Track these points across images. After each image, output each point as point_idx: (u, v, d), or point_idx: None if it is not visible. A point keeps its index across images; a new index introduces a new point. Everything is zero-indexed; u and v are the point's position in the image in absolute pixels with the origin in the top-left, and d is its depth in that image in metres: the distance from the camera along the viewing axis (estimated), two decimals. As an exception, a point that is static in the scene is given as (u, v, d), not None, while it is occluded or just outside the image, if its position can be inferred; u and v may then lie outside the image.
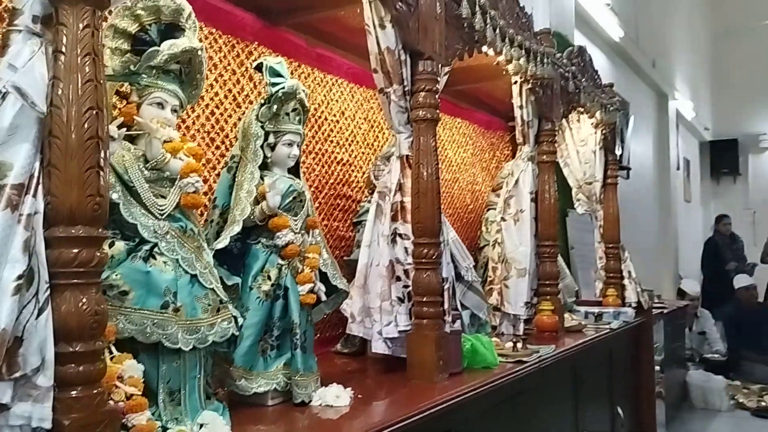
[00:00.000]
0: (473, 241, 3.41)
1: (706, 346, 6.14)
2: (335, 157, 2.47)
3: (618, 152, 3.85)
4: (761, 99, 10.08)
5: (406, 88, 1.86)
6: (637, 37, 6.38)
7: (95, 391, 0.98)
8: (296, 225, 1.64)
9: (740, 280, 6.39)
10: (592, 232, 3.89)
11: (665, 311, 4.35)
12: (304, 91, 1.67)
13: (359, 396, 1.60)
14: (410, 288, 1.89)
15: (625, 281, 3.69)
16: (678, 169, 8.41)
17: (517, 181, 2.78)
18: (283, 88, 1.60)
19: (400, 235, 1.92)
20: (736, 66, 10.34)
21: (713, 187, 10.68)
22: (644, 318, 3.70)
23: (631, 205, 6.36)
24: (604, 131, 3.57)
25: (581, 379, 2.68)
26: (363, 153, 2.62)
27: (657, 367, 3.85)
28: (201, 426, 1.29)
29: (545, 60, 2.61)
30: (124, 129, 1.31)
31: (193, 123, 1.90)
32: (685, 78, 8.81)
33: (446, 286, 1.91)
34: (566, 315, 3.01)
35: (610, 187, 3.74)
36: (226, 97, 2.01)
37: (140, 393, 1.16)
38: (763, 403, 4.94)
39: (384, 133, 2.74)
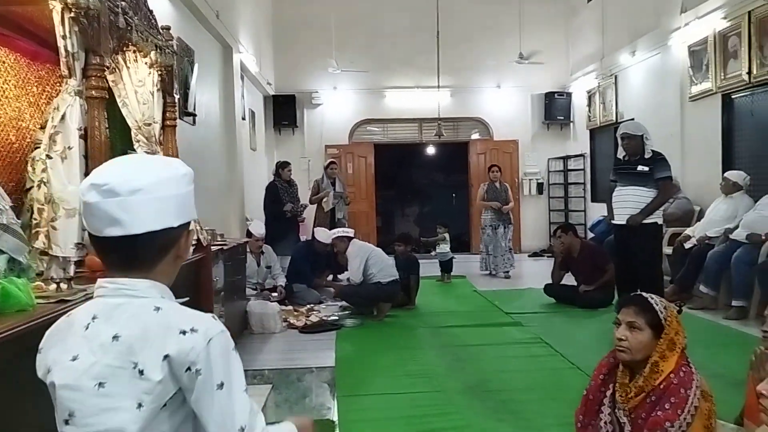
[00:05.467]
0: (20, 183, 3.10)
1: (270, 279, 6.86)
2: None
3: (176, 95, 3.95)
4: (314, 60, 11.42)
5: None
6: (201, -14, 6.53)
7: None
8: None
9: (255, 227, 6.95)
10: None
11: (225, 248, 4.69)
12: None
13: None
14: None
15: (185, 220, 3.86)
16: (244, 119, 9.00)
17: (63, 117, 2.63)
18: None
19: None
20: (295, 29, 11.48)
21: (276, 137, 11.77)
22: (204, 254, 3.95)
23: (199, 150, 6.59)
24: (160, 73, 3.61)
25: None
26: None
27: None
28: None
29: (90, -10, 2.50)
30: None
31: None
32: (249, 34, 9.39)
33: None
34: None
35: (170, 129, 3.83)
36: None
37: None
38: (308, 322, 5.81)
39: None
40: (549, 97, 11.75)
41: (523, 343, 5.09)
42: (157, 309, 1.18)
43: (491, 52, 11.50)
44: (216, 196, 7.32)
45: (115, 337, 1.14)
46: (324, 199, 8.43)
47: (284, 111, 11.58)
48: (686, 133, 7.88)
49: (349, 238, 6.14)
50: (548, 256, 10.56)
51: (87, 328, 1.18)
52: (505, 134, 11.93)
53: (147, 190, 1.16)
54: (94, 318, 1.18)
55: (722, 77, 7.01)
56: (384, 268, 5.97)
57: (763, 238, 5.64)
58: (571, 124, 11.84)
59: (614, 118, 9.66)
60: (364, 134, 12.19)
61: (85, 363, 1.14)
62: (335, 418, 3.49)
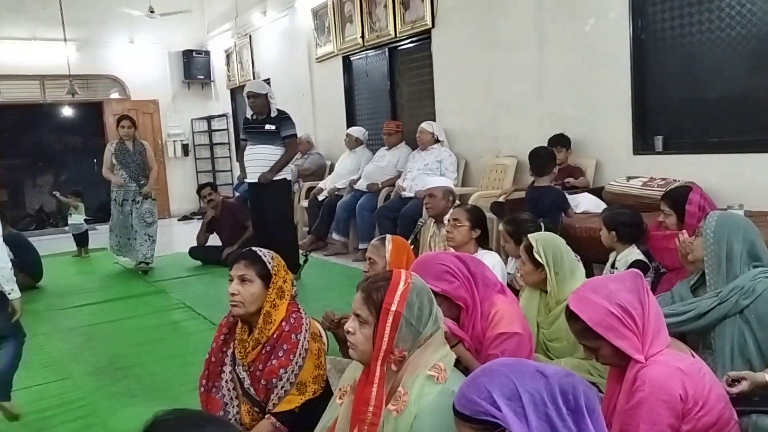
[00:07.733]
0: None
1: None
2: None
3: None
4: None
5: None
6: None
7: None
8: None
9: None
10: None
11: None
12: None
13: None
14: None
15: None
16: None
17: None
18: None
19: None
20: None
21: None
22: None
23: None
24: None
25: None
26: None
27: None
28: None
29: None
30: None
31: None
32: None
33: None
34: None
35: None
36: None
37: None
38: None
39: None
40: (187, 55, 11.38)
41: (164, 311, 4.89)
42: None
43: (120, 3, 10.56)
44: None
45: None
46: None
47: None
48: (316, 92, 8.39)
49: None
50: (198, 219, 10.39)
51: None
52: (144, 94, 11.22)
53: None
54: None
55: (342, 40, 7.59)
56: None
57: (380, 186, 6.34)
58: (212, 83, 11.69)
59: (252, 78, 9.79)
60: (-31, 93, 10.26)
61: None
62: None
